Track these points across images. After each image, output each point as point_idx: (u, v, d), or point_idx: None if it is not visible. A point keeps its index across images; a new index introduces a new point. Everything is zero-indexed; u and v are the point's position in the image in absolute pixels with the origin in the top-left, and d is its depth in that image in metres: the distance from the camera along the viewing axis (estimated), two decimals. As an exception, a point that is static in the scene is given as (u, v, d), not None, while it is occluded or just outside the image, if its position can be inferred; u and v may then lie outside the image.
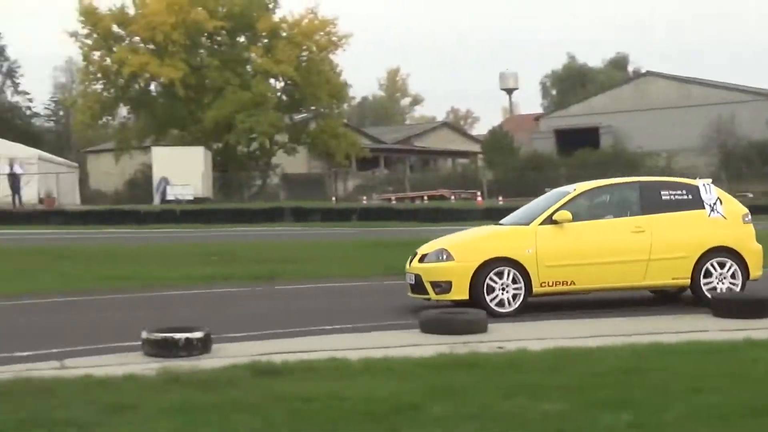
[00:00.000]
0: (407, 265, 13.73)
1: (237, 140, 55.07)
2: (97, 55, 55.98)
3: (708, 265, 13.46)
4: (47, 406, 7.50)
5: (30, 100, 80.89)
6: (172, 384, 8.30)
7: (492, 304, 12.74)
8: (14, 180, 40.85)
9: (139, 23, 54.17)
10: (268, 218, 38.94)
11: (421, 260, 13.40)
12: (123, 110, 60.75)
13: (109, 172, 61.31)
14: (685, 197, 13.80)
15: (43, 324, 13.04)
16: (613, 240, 13.37)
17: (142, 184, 53.36)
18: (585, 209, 13.72)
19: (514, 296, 12.91)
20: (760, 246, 13.95)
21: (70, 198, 47.73)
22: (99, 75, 56.19)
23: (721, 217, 13.77)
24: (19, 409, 7.41)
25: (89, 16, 54.47)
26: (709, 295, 13.07)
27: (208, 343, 10.04)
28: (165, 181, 45.79)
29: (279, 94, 58.60)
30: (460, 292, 12.87)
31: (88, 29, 54.94)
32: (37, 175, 44.29)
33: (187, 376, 8.54)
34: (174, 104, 55.65)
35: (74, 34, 55.05)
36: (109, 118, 59.79)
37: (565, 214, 13.24)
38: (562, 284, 13.16)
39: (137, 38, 55.39)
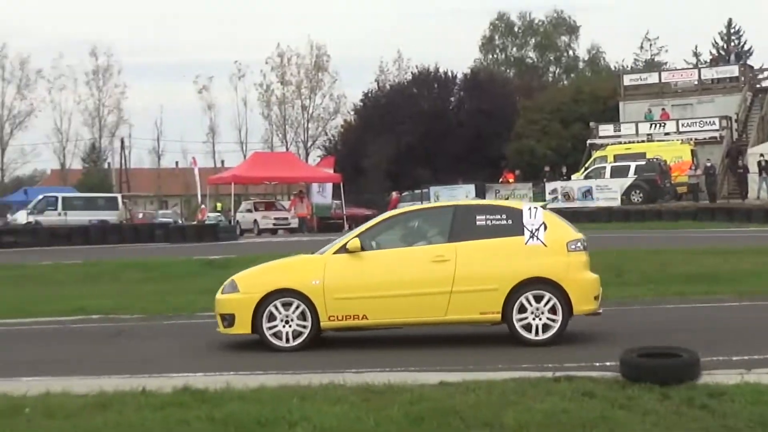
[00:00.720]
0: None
1: None
2: None
3: (522, 298, 11.92)
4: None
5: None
6: None
7: (272, 339, 12.19)
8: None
9: None
10: None
11: (223, 291, 12.76)
12: None
13: None
14: (504, 222, 12.28)
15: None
16: (409, 270, 12.17)
17: None
18: (392, 236, 12.71)
19: (299, 331, 12.20)
20: (591, 276, 12.29)
21: None
22: None
23: (541, 244, 12.08)
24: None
25: None
26: (523, 333, 11.79)
27: None
28: None
29: None
30: (243, 326, 12.33)
31: None
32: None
33: None
34: None
35: None
36: None
37: (355, 242, 12.27)
38: (353, 318, 12.18)
39: None
